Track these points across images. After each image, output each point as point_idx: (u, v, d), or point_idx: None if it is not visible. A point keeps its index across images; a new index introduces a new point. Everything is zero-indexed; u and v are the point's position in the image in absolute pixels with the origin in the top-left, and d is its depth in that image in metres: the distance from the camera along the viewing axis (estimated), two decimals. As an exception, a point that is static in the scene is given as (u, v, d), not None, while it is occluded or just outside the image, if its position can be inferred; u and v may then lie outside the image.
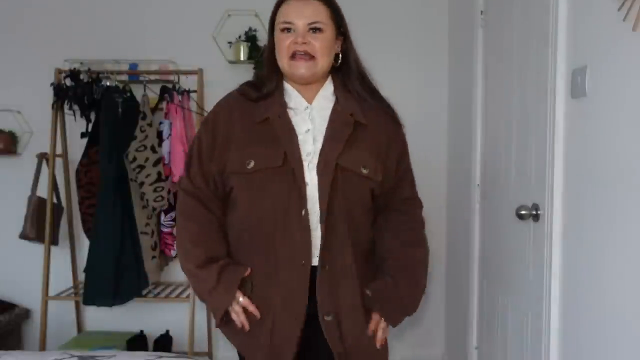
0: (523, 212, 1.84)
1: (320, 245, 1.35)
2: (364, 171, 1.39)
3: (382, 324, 1.43)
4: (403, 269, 1.46)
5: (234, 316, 1.39)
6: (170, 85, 2.75)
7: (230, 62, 2.97)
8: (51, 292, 2.80)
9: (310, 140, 1.39)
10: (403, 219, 1.52)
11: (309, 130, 1.40)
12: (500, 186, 2.22)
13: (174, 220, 2.78)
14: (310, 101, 1.44)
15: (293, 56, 1.38)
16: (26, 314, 3.05)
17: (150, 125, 2.66)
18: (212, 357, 3.07)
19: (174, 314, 3.01)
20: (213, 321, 3.06)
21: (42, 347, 2.73)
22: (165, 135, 2.72)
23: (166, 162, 2.71)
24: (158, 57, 2.92)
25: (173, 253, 2.82)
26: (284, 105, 1.41)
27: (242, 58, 2.93)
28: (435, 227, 3.10)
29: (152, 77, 2.83)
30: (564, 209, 1.67)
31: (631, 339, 1.34)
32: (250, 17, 2.97)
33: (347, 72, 1.47)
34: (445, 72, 3.07)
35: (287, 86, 1.45)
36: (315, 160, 1.37)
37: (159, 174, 2.65)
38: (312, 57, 1.38)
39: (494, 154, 2.28)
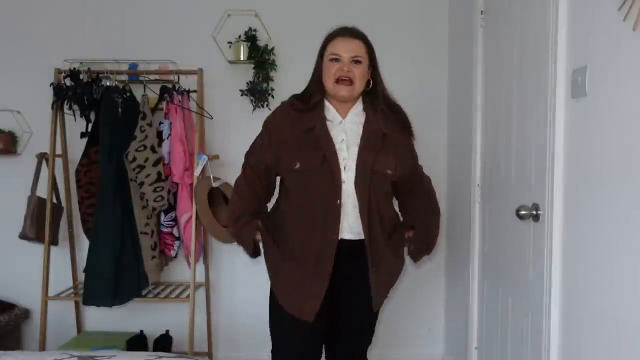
0: (523, 212, 1.84)
1: (364, 226, 1.81)
2: (389, 172, 1.86)
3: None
4: (427, 229, 2.01)
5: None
6: (170, 85, 2.74)
7: (230, 62, 2.97)
8: (51, 292, 2.79)
9: (344, 148, 1.83)
10: (422, 195, 2.05)
11: (343, 139, 1.84)
12: (500, 186, 2.22)
13: (173, 220, 2.78)
14: (343, 116, 1.89)
15: (337, 81, 1.82)
16: (26, 314, 3.05)
17: (150, 125, 2.66)
18: (212, 357, 3.07)
19: (173, 314, 3.01)
20: (213, 321, 3.08)
21: (42, 347, 2.73)
22: (165, 135, 2.72)
23: (166, 162, 2.71)
24: (158, 57, 2.92)
25: (173, 253, 2.82)
26: (324, 119, 1.85)
27: (242, 58, 2.93)
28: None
29: (152, 77, 2.83)
30: (564, 209, 1.68)
31: (631, 339, 1.34)
32: (250, 17, 2.97)
33: (375, 94, 1.91)
34: (445, 72, 3.07)
35: (327, 103, 1.90)
36: (351, 164, 1.82)
37: (159, 174, 2.65)
38: (351, 82, 1.82)
39: (494, 154, 2.29)
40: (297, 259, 1.85)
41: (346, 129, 1.86)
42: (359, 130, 1.86)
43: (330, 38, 1.87)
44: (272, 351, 1.97)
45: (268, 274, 1.96)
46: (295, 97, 1.94)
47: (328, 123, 1.85)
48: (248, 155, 2.00)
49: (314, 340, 1.91)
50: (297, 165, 1.82)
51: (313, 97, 1.87)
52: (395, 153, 1.88)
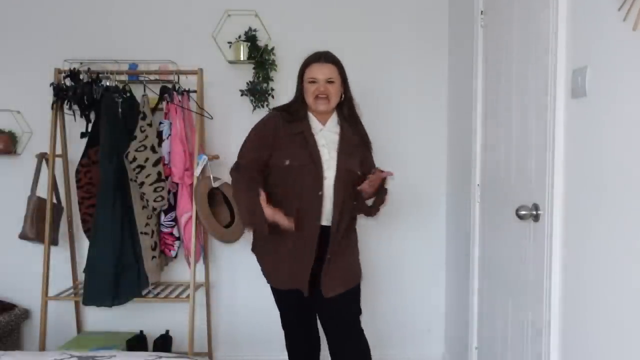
0: (523, 212, 1.84)
1: (335, 215, 2.18)
2: (359, 172, 2.24)
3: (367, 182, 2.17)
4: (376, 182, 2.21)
5: (272, 217, 2.14)
6: (170, 86, 2.74)
7: (230, 62, 2.97)
8: (51, 292, 2.79)
9: (326, 152, 2.20)
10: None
11: (323, 144, 2.21)
12: (500, 186, 2.22)
13: (173, 220, 2.78)
14: (323, 124, 2.26)
15: (316, 97, 2.20)
16: (26, 314, 3.05)
17: (150, 125, 2.66)
18: (212, 357, 3.07)
19: (174, 314, 3.01)
20: (213, 321, 3.08)
21: (42, 347, 2.73)
22: (165, 135, 2.72)
23: (166, 162, 2.71)
24: (158, 57, 2.92)
25: (173, 253, 2.82)
26: (308, 126, 2.22)
27: (242, 58, 2.93)
28: (436, 227, 3.11)
29: (152, 77, 2.83)
30: (564, 209, 1.68)
31: (631, 339, 1.34)
32: (250, 17, 2.97)
33: (346, 106, 2.29)
34: (445, 71, 3.07)
35: (310, 114, 2.26)
36: (332, 164, 2.19)
37: (159, 174, 2.65)
38: (327, 98, 2.20)
39: (494, 154, 2.29)
40: (284, 244, 2.19)
41: (325, 135, 2.23)
42: (335, 138, 2.24)
43: (307, 64, 2.25)
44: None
45: (259, 261, 2.33)
46: (279, 109, 2.31)
47: (312, 130, 2.22)
48: (241, 157, 2.28)
49: (307, 308, 2.32)
50: (287, 162, 2.16)
51: (299, 110, 2.24)
52: (359, 157, 2.27)
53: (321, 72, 2.19)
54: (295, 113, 2.24)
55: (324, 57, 2.23)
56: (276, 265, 2.26)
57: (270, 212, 2.13)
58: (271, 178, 2.23)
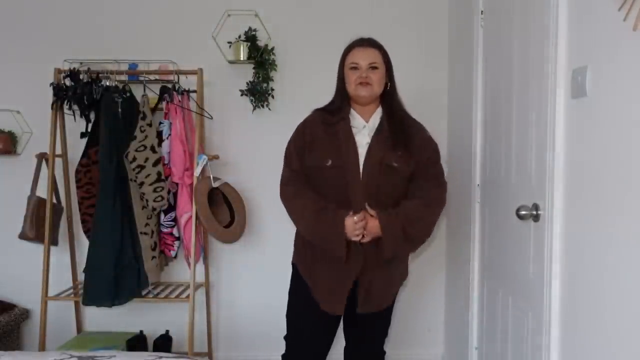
0: (523, 212, 1.84)
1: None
2: (395, 164, 1.98)
3: (373, 221, 1.94)
4: (400, 211, 1.99)
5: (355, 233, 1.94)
6: (170, 85, 2.74)
7: (230, 62, 2.97)
8: (51, 292, 2.79)
9: (364, 153, 1.98)
10: (418, 196, 2.03)
11: (367, 142, 2.00)
12: (500, 186, 2.22)
13: (173, 220, 2.78)
14: (366, 120, 2.05)
15: (358, 84, 2.00)
16: (26, 314, 3.05)
17: (150, 125, 2.66)
18: (212, 357, 3.07)
19: (173, 314, 3.01)
20: (213, 321, 3.08)
21: (42, 347, 2.72)
22: (165, 135, 2.72)
23: (166, 162, 2.71)
24: (158, 57, 2.92)
25: (173, 253, 2.82)
26: (349, 127, 2.03)
27: (242, 58, 2.93)
28: (436, 228, 3.10)
29: (152, 77, 2.83)
30: (564, 209, 1.68)
31: (631, 339, 1.34)
32: (250, 17, 2.97)
33: (390, 97, 2.08)
34: (445, 72, 3.07)
35: (352, 111, 2.06)
36: (370, 161, 1.97)
37: (159, 174, 2.65)
38: (369, 84, 2.00)
39: (494, 154, 2.29)
40: (328, 258, 2.00)
41: (367, 134, 2.03)
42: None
43: (349, 49, 2.06)
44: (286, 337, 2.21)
45: (302, 273, 2.12)
46: (320, 108, 2.11)
47: (353, 129, 2.03)
48: (287, 164, 2.13)
49: (332, 328, 2.14)
50: (329, 163, 1.98)
51: (339, 109, 2.05)
52: (406, 151, 2.01)
53: (364, 56, 2.00)
54: (336, 112, 2.05)
55: (368, 42, 2.05)
56: (316, 279, 2.07)
57: (351, 226, 1.92)
58: (312, 178, 2.06)
